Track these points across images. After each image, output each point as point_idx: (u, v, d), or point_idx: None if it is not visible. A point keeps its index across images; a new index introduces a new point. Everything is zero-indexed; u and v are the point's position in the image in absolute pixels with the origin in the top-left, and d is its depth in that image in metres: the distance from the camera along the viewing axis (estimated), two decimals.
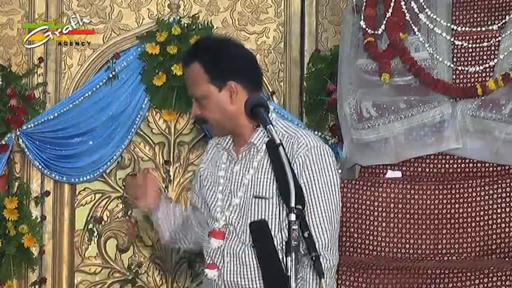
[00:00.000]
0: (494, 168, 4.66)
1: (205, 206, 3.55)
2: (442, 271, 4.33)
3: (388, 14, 4.81)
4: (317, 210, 3.39)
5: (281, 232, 3.36)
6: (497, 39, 4.75)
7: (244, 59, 3.50)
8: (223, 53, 3.44)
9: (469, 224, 4.54)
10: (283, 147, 3.22)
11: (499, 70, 4.68)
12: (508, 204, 4.52)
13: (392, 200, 4.60)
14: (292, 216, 3.08)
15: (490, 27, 4.81)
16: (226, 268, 3.41)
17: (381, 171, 4.77)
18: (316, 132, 5.10)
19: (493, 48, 4.75)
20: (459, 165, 4.71)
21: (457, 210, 4.57)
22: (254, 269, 3.40)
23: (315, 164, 3.40)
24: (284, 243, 3.08)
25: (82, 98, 5.20)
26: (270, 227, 3.34)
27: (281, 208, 3.36)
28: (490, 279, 4.27)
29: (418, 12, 4.82)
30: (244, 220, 3.42)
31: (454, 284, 4.30)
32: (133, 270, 5.28)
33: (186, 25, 5.25)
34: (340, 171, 4.85)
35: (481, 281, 4.28)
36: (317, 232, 3.36)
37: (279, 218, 3.38)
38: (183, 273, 5.30)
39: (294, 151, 3.39)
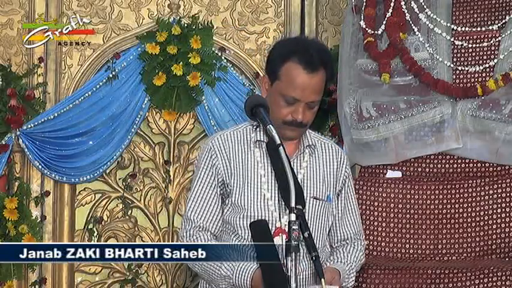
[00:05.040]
0: (494, 168, 4.66)
1: (227, 202, 3.52)
2: (442, 271, 4.33)
3: (388, 14, 4.81)
4: (355, 204, 3.73)
5: (325, 233, 3.57)
6: (497, 39, 4.75)
7: None
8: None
9: (469, 224, 4.54)
10: (283, 147, 3.24)
11: (499, 70, 4.68)
12: (508, 204, 4.52)
13: (392, 200, 4.60)
14: (292, 216, 3.09)
15: (490, 27, 4.81)
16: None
17: (381, 171, 4.77)
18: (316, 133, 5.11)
19: (493, 48, 4.75)
20: (459, 165, 4.71)
21: (457, 210, 4.57)
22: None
23: (349, 166, 3.73)
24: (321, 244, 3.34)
25: (82, 98, 5.20)
26: (322, 227, 3.52)
27: (328, 211, 3.59)
28: (490, 279, 4.27)
29: (418, 12, 4.82)
30: (309, 217, 3.45)
31: (454, 284, 4.30)
32: (133, 270, 5.28)
33: (186, 25, 5.25)
34: None
35: (481, 281, 4.28)
36: (358, 221, 3.73)
37: (329, 220, 3.61)
38: (183, 273, 5.30)
39: (335, 155, 3.66)
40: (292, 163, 3.46)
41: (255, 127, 3.55)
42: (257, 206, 3.46)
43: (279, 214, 3.45)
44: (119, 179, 5.33)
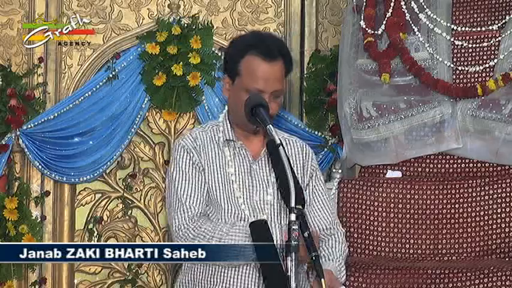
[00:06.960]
0: (494, 168, 4.66)
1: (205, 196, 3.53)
2: (442, 271, 4.33)
3: (388, 14, 4.81)
4: (324, 195, 3.74)
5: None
6: (497, 39, 4.75)
7: None
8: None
9: (469, 224, 4.54)
10: (283, 147, 3.24)
11: (499, 70, 4.68)
12: (508, 204, 4.52)
13: (392, 200, 4.60)
14: (292, 216, 3.10)
15: (490, 27, 4.81)
16: None
17: (381, 171, 4.77)
18: (316, 132, 5.11)
19: (493, 48, 4.76)
20: (459, 165, 4.71)
21: (457, 210, 4.57)
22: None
23: (315, 159, 3.76)
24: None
25: (82, 98, 5.20)
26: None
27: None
28: (490, 279, 4.27)
29: (418, 12, 4.82)
30: (282, 217, 3.44)
31: (454, 284, 4.30)
32: (133, 270, 5.28)
33: (186, 25, 5.25)
34: (340, 171, 4.88)
35: (481, 281, 4.28)
36: (331, 212, 3.75)
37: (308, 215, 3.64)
38: None
39: (300, 150, 3.67)
40: (260, 162, 3.48)
41: (220, 127, 3.57)
42: (229, 202, 3.48)
43: (250, 212, 3.46)
44: (119, 179, 5.34)
